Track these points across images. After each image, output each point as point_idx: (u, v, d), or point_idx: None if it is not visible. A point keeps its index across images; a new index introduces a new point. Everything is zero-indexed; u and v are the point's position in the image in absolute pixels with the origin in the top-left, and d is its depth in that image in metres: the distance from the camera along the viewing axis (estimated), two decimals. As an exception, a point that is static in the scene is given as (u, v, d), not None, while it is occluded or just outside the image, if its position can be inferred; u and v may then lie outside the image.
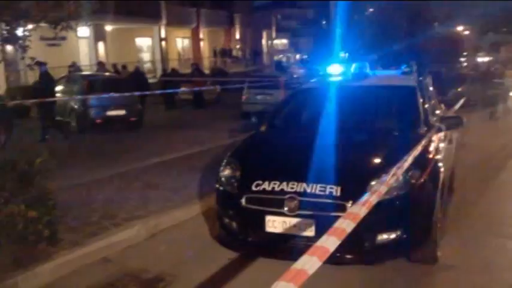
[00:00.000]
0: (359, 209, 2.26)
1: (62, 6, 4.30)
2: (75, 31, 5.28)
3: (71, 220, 5.32)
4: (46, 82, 11.76)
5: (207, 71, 29.10)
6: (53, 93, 12.08)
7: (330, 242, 1.84)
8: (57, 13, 4.38)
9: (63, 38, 23.24)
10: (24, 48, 4.79)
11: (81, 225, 5.29)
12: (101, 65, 19.36)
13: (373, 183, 3.96)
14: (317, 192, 3.99)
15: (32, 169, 4.31)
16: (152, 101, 17.29)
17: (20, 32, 4.66)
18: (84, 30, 24.11)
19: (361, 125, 5.25)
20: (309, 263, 1.69)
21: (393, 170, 3.35)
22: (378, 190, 2.67)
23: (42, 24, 5.10)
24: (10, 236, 4.15)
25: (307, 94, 6.20)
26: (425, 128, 4.92)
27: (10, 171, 4.22)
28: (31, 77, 19.54)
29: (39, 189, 4.41)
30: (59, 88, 14.21)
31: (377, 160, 4.44)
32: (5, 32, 4.73)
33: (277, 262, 4.16)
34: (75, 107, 13.04)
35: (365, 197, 2.49)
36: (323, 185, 4.01)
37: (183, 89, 18.12)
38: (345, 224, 2.04)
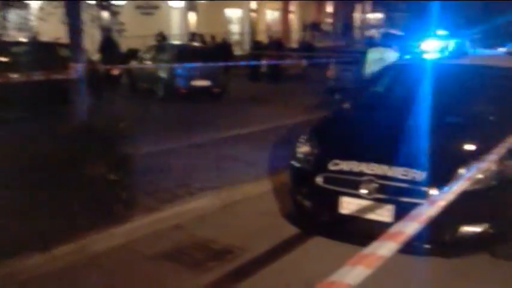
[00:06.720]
0: (444, 196, 2.00)
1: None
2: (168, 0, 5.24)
3: (146, 185, 5.44)
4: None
5: (294, 45, 28.66)
6: None
7: (408, 228, 1.63)
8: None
9: (156, 7, 24.02)
10: (114, 13, 4.87)
11: (156, 191, 5.38)
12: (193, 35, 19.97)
13: (461, 170, 3.62)
14: (399, 176, 3.72)
15: (115, 134, 4.40)
16: (236, 72, 17.29)
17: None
18: (177, 1, 24.74)
19: (455, 107, 4.73)
20: (385, 247, 1.50)
21: (486, 158, 3.00)
22: (468, 177, 2.36)
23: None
24: (88, 198, 4.27)
25: (397, 71, 5.76)
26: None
27: (95, 135, 4.33)
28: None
29: (120, 154, 4.50)
30: (147, 56, 14.68)
31: (469, 146, 4.04)
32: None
33: (345, 245, 3.96)
34: (162, 76, 13.33)
35: (453, 184, 2.22)
36: (406, 169, 3.72)
37: (263, 62, 17.92)
38: (427, 210, 1.80)
